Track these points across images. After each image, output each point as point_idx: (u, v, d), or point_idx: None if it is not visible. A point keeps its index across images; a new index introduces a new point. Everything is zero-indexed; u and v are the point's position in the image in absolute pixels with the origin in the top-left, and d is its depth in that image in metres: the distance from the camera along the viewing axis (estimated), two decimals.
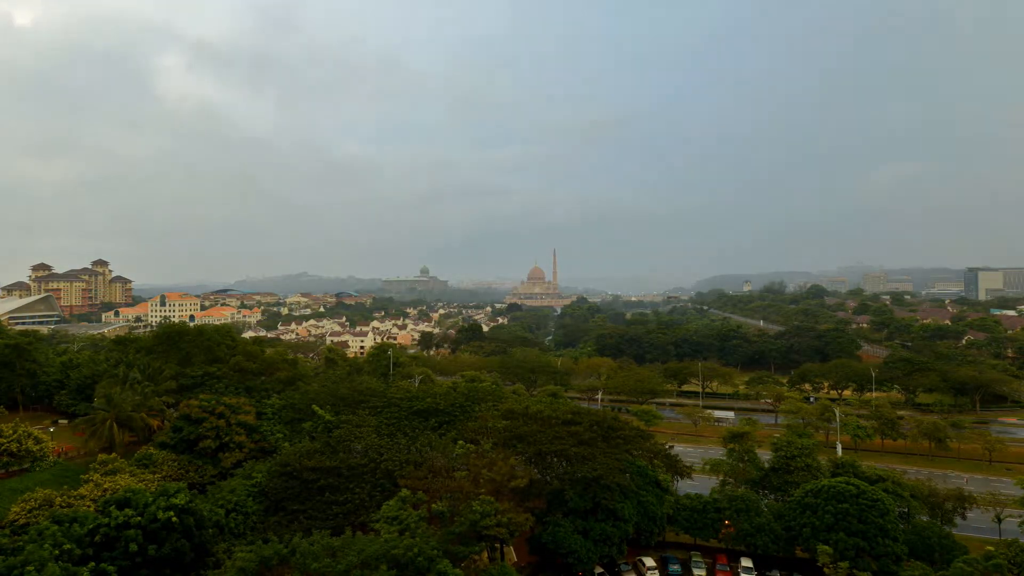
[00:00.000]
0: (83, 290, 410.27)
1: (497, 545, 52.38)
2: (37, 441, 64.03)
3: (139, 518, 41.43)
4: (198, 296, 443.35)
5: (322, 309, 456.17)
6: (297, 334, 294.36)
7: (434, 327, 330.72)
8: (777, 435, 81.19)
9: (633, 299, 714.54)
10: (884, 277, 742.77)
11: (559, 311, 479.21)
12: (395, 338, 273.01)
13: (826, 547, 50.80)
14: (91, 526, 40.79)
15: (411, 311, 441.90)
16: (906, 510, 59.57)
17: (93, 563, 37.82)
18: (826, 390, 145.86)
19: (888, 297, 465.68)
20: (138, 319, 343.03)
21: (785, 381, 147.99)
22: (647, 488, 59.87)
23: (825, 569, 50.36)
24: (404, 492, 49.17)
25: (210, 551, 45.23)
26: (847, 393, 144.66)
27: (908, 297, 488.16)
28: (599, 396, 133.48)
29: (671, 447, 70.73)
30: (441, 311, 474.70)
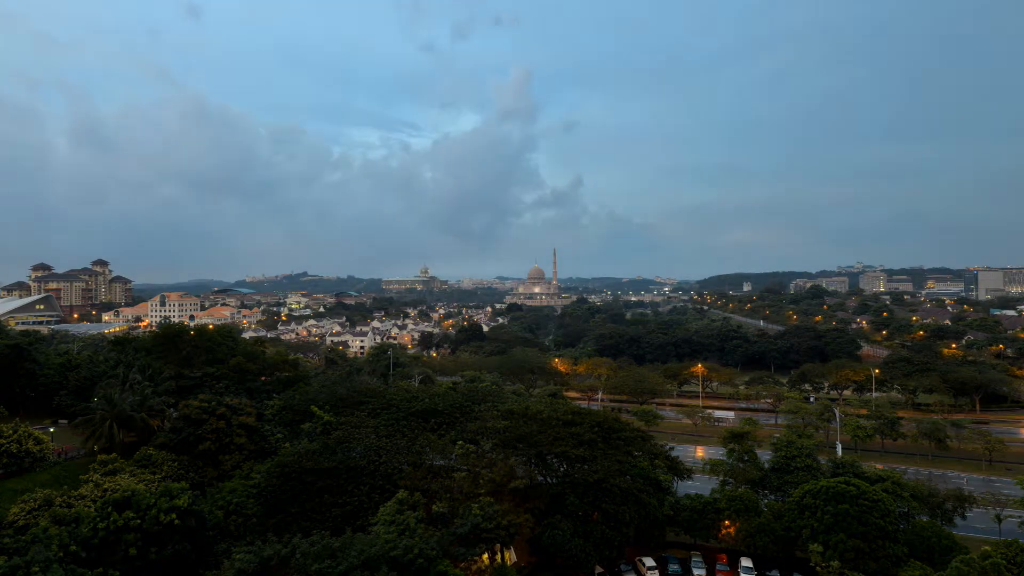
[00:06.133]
0: (83, 290, 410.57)
1: (497, 547, 52.33)
2: (37, 442, 63.82)
3: (139, 521, 41.01)
4: (198, 296, 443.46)
5: (322, 309, 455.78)
6: (297, 334, 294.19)
7: (434, 327, 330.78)
8: (777, 435, 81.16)
9: (633, 299, 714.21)
10: (884, 277, 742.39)
11: (559, 311, 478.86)
12: (395, 338, 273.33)
13: (817, 546, 50.82)
14: (89, 528, 40.48)
15: (411, 311, 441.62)
16: (906, 510, 59.65)
17: (101, 568, 37.59)
18: (826, 390, 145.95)
19: (888, 297, 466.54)
20: (138, 319, 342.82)
21: (785, 381, 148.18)
22: (648, 490, 59.85)
23: (817, 568, 50.43)
24: (402, 494, 48.79)
25: (212, 552, 45.04)
26: (847, 393, 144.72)
27: (908, 297, 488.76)
28: (599, 396, 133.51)
29: (671, 448, 70.75)
30: (441, 311, 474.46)
